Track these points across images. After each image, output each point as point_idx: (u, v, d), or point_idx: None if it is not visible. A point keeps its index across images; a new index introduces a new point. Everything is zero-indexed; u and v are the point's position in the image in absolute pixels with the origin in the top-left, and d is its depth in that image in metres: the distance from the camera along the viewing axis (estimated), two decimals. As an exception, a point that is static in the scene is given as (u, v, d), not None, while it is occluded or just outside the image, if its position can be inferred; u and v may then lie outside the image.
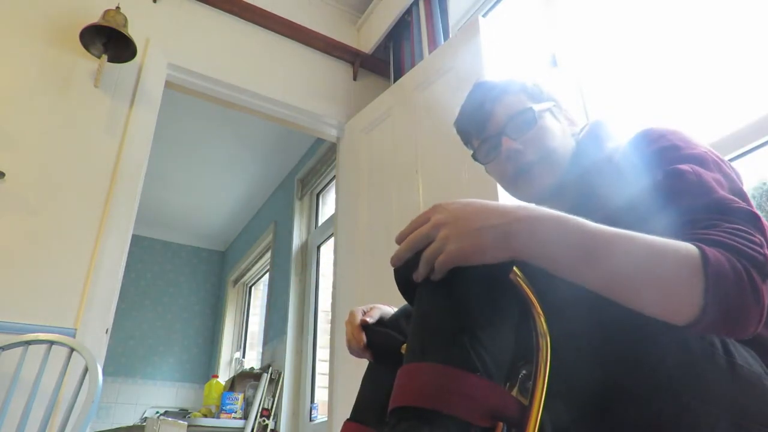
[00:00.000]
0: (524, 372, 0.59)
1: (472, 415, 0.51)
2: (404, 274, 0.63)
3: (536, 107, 0.91)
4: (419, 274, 0.60)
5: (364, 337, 0.89)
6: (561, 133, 0.93)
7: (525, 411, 0.53)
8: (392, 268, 0.64)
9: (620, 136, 0.88)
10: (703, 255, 0.56)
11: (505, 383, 0.58)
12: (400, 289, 0.65)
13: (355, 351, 0.92)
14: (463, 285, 0.57)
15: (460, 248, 0.56)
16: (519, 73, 0.98)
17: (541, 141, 0.90)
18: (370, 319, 0.92)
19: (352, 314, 0.94)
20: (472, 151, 1.00)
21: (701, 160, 0.72)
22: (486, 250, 0.56)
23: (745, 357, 0.63)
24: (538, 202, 0.95)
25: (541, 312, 0.56)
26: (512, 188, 0.95)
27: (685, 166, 0.71)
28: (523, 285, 0.57)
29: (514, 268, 0.57)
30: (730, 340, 0.63)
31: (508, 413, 0.53)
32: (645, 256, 0.56)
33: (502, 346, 0.57)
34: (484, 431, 0.53)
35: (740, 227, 0.61)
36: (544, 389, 0.54)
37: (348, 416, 0.87)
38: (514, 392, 0.58)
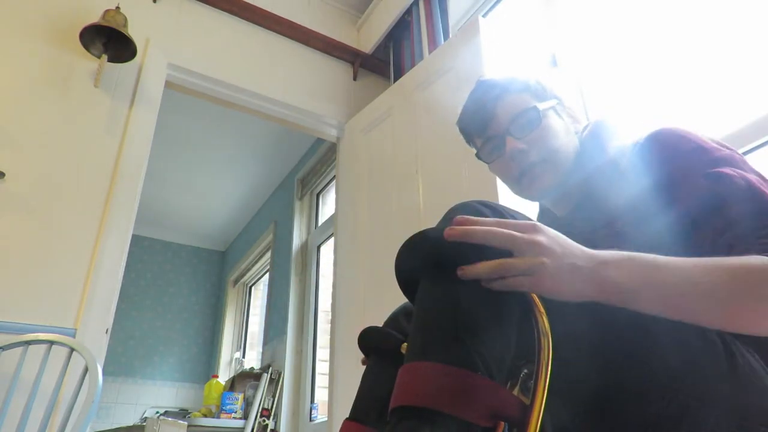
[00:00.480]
0: (525, 371, 0.58)
1: (473, 415, 0.51)
2: (408, 271, 0.62)
3: (540, 106, 0.91)
4: (474, 272, 0.56)
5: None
6: (564, 131, 0.92)
7: (526, 410, 0.53)
8: (393, 268, 0.63)
9: (624, 136, 0.88)
10: None
11: (507, 382, 0.58)
12: (401, 287, 0.64)
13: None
14: (465, 283, 0.57)
15: (552, 282, 0.55)
16: (521, 70, 0.98)
17: (545, 140, 0.89)
18: None
19: None
20: (474, 150, 1.00)
21: (732, 160, 0.71)
22: (574, 290, 0.56)
23: (747, 357, 0.63)
24: (541, 201, 0.95)
25: (543, 311, 0.56)
26: (516, 187, 0.95)
27: (727, 170, 0.69)
28: (525, 284, 0.57)
29: None
30: (732, 339, 0.63)
31: (510, 413, 0.53)
32: (728, 280, 0.57)
33: (503, 345, 0.56)
34: (485, 431, 0.52)
35: None
36: (546, 389, 0.53)
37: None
38: (516, 391, 0.58)
